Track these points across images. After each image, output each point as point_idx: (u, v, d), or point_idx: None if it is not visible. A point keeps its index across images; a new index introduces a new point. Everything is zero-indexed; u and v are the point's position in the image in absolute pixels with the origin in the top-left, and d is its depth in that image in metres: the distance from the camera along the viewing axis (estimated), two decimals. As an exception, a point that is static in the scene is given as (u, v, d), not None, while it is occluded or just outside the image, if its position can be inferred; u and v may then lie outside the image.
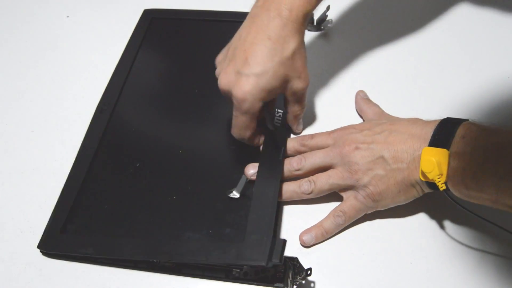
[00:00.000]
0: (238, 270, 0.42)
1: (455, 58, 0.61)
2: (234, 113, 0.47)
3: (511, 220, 0.42)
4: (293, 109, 0.51)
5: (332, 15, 0.65)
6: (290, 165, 0.48)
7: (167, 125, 0.56)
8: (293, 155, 0.50)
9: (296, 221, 0.47)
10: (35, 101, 0.60)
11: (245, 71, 0.45)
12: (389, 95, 0.57)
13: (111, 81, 0.59)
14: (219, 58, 0.51)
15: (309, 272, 0.40)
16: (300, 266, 0.40)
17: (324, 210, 0.47)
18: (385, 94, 0.56)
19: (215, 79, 0.59)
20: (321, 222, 0.46)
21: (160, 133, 0.55)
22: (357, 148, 0.45)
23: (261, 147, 0.50)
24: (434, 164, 0.40)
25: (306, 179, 0.47)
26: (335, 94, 0.58)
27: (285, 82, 0.47)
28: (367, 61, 0.61)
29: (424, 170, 0.41)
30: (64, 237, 0.46)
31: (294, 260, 0.41)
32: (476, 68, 0.59)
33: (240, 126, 0.48)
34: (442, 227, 0.46)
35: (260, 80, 0.45)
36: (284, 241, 0.41)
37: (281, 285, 0.42)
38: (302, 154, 0.49)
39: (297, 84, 0.48)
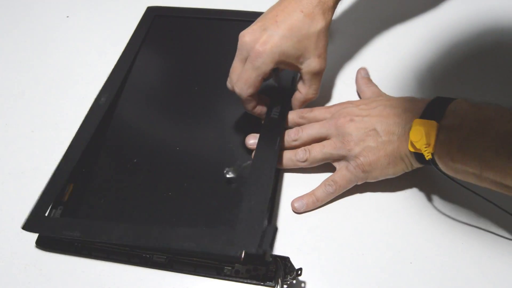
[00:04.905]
0: (230, 268, 0.43)
1: (455, 57, 0.60)
2: (246, 65, 0.49)
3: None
4: (306, 91, 0.52)
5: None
6: (288, 136, 0.50)
7: (165, 122, 0.56)
8: (292, 128, 0.52)
9: (293, 221, 0.47)
10: (35, 101, 0.60)
11: (272, 30, 0.48)
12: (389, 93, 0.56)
13: (111, 76, 0.59)
14: (244, 31, 0.50)
15: (299, 272, 0.41)
16: (291, 265, 0.41)
17: (324, 210, 0.48)
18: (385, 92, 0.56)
19: (215, 77, 0.59)
20: (313, 190, 0.48)
21: (158, 130, 0.55)
22: (351, 120, 0.47)
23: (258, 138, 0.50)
24: (422, 133, 0.41)
25: (302, 148, 0.49)
26: (335, 94, 0.58)
27: (303, 56, 0.49)
28: (367, 61, 0.60)
29: (412, 139, 0.42)
30: (50, 220, 0.46)
31: (286, 260, 0.41)
32: (477, 69, 0.59)
33: (245, 80, 0.49)
34: (442, 227, 0.46)
35: (282, 42, 0.48)
36: (276, 229, 0.40)
37: (271, 283, 0.42)
38: (300, 126, 0.51)
39: (314, 63, 0.50)
